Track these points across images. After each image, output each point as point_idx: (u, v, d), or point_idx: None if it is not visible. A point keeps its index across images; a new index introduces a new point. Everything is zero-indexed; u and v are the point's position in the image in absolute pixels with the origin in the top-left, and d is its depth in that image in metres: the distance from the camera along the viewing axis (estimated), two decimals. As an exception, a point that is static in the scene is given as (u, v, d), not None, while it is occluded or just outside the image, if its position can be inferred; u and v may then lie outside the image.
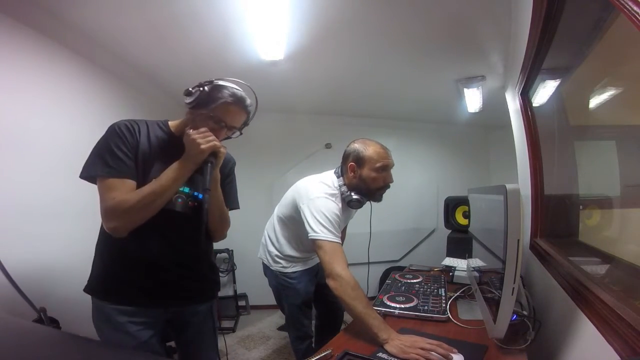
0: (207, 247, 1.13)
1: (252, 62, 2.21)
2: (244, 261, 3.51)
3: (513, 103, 1.95)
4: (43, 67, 1.71)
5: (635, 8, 0.51)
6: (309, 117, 3.64)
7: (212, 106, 0.96)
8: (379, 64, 2.41)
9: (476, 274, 1.35)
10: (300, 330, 1.62)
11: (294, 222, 1.49)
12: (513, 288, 0.78)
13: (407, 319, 1.17)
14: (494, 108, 2.80)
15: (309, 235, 1.23)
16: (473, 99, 2.92)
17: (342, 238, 1.83)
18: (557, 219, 1.40)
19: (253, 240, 3.63)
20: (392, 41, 2.06)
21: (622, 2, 0.54)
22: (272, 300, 3.97)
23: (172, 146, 0.99)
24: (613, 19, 0.82)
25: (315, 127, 3.72)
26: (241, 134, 1.07)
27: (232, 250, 3.44)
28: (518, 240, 0.77)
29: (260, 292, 3.60)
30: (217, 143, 0.96)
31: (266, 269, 1.67)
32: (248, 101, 1.02)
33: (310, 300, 1.63)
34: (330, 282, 1.11)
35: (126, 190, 0.91)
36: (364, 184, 1.34)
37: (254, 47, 2.02)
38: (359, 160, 1.33)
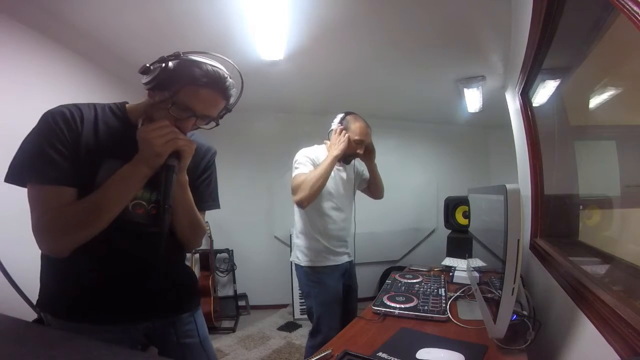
0: (176, 260, 0.97)
1: (252, 62, 2.21)
2: (244, 261, 3.51)
3: (513, 103, 1.95)
4: (43, 67, 1.71)
5: (635, 8, 0.51)
6: (309, 117, 3.64)
7: (177, 89, 0.74)
8: (379, 64, 2.41)
9: (476, 274, 1.35)
10: (327, 335, 1.50)
11: None
12: (513, 288, 0.78)
13: (407, 319, 1.17)
14: (494, 108, 2.80)
15: None
16: (473, 99, 2.93)
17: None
18: (557, 219, 1.40)
19: (253, 240, 3.67)
20: (392, 41, 2.07)
21: (622, 2, 0.54)
22: (272, 300, 3.97)
23: (128, 137, 0.77)
24: (613, 19, 0.82)
25: (315, 127, 3.72)
26: (217, 124, 0.83)
27: (232, 250, 3.45)
28: (518, 240, 0.77)
29: (260, 292, 3.63)
30: (180, 140, 0.76)
31: (297, 268, 1.69)
32: (228, 82, 0.78)
33: (339, 298, 1.62)
34: (296, 200, 1.50)
35: (63, 201, 0.72)
36: None
37: (254, 47, 2.03)
38: (346, 128, 1.67)
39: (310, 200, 1.50)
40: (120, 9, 1.64)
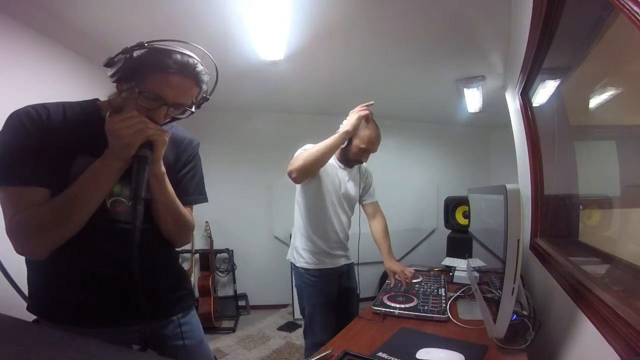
0: (162, 259, 0.92)
1: (252, 62, 2.21)
2: (244, 261, 3.52)
3: (513, 103, 1.95)
4: (43, 67, 1.71)
5: (635, 8, 0.51)
6: (309, 117, 3.65)
7: (144, 77, 0.71)
8: (379, 64, 2.41)
9: (476, 274, 1.35)
10: (318, 336, 1.52)
11: (299, 193, 1.60)
12: (513, 288, 0.78)
13: (407, 319, 1.17)
14: (494, 108, 2.80)
15: None
16: (473, 99, 2.93)
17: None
18: (557, 219, 1.40)
19: (253, 240, 3.67)
20: (392, 41, 2.07)
21: (622, 2, 0.54)
22: (272, 300, 3.96)
23: (100, 133, 0.73)
24: (613, 19, 0.82)
25: (315, 127, 3.74)
26: (192, 112, 0.81)
27: (232, 250, 3.44)
28: (518, 240, 0.77)
29: (260, 292, 3.63)
30: (149, 130, 0.72)
31: (292, 266, 1.68)
32: (198, 67, 0.75)
33: (332, 301, 1.60)
34: (288, 171, 1.39)
35: (34, 201, 0.70)
36: (347, 150, 1.58)
37: (254, 47, 2.03)
38: (356, 133, 1.56)
39: (303, 172, 1.35)
40: (120, 9, 1.64)
